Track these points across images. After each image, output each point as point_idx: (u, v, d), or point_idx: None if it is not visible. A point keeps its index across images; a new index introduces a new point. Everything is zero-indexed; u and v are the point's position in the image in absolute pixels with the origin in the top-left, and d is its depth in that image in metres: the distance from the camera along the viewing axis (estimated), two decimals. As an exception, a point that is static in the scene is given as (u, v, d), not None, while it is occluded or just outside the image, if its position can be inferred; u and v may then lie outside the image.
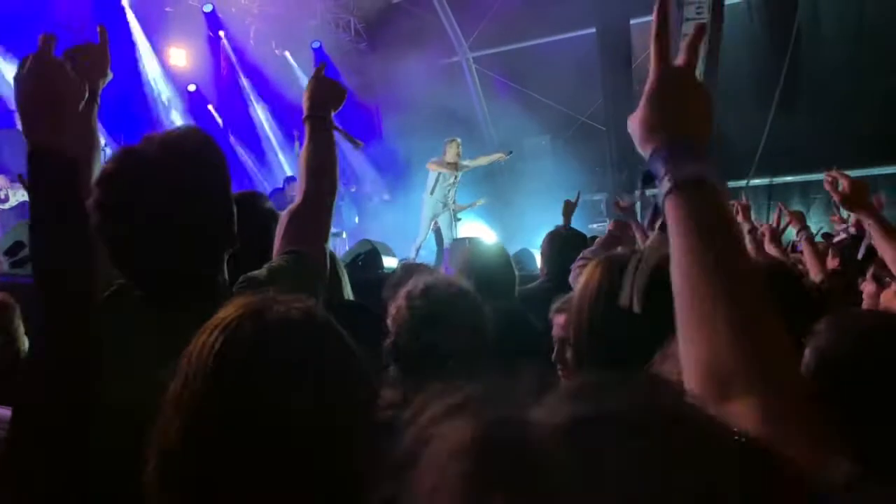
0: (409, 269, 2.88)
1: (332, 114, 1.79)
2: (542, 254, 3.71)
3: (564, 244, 3.48)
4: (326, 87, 1.82)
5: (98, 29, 1.69)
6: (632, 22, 11.90)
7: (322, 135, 1.74)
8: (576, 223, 4.74)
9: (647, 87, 1.04)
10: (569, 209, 4.58)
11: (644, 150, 1.02)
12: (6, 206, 7.58)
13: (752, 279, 0.86)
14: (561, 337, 1.82)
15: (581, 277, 1.56)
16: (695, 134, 1.00)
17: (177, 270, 1.33)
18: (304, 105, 1.78)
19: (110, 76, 1.66)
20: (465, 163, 10.84)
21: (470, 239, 4.00)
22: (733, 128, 10.89)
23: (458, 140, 10.47)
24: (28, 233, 1.30)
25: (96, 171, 1.51)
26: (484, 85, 14.23)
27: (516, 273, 3.01)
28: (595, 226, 11.90)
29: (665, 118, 0.99)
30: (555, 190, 12.65)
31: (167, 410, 0.89)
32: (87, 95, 1.40)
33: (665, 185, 0.97)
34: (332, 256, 2.74)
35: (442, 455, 0.44)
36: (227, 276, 1.43)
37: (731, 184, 11.17)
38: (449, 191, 10.56)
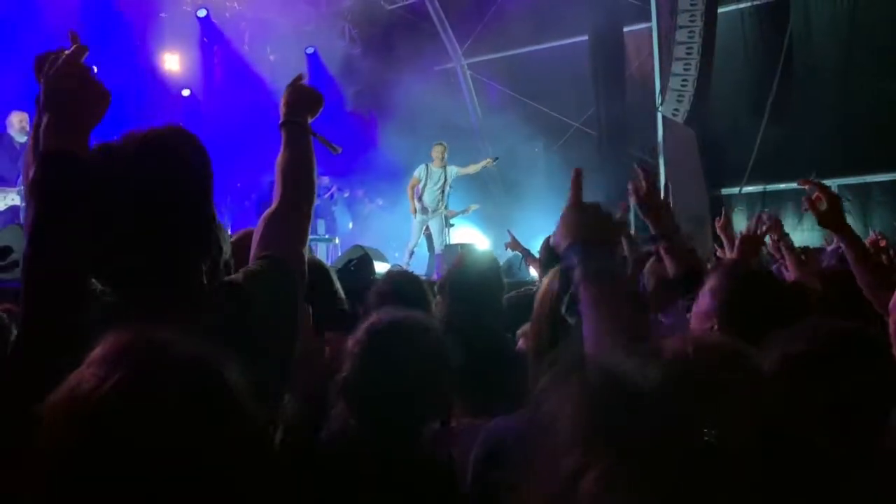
0: (393, 280, 2.87)
1: (310, 120, 1.78)
2: (539, 260, 3.72)
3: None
4: (303, 93, 1.81)
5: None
6: (625, 30, 11.94)
7: (299, 141, 1.72)
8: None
9: (563, 211, 1.52)
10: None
11: (561, 246, 1.43)
12: (-5, 210, 7.51)
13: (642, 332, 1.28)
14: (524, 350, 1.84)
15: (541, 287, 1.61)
16: (600, 240, 1.40)
17: (143, 273, 1.29)
18: (282, 111, 1.77)
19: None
20: (456, 170, 10.91)
21: (462, 245, 4.00)
22: (726, 135, 10.94)
23: (444, 144, 10.68)
24: (27, 233, 1.26)
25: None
26: (478, 91, 14.26)
27: (504, 281, 3.02)
28: (588, 232, 11.91)
29: (576, 232, 1.42)
30: (548, 196, 12.67)
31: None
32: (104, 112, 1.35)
33: (578, 274, 1.33)
34: (324, 267, 2.73)
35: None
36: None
37: (725, 191, 11.20)
38: (438, 195, 10.62)
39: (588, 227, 1.41)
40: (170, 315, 1.10)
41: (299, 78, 1.85)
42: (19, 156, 7.43)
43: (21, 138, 7.52)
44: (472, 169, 11.36)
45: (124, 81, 10.66)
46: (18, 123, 7.55)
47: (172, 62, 12.46)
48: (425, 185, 10.62)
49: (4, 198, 7.55)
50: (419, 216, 10.62)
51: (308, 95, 1.80)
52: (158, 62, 12.09)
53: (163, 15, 11.75)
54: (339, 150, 1.86)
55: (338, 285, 2.54)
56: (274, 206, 1.63)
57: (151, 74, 11.91)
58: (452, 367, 1.77)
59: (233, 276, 1.43)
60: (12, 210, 7.37)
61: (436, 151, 10.69)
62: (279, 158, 1.70)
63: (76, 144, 1.27)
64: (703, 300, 2.02)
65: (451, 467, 1.73)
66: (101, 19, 10.85)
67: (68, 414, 0.82)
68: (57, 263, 1.22)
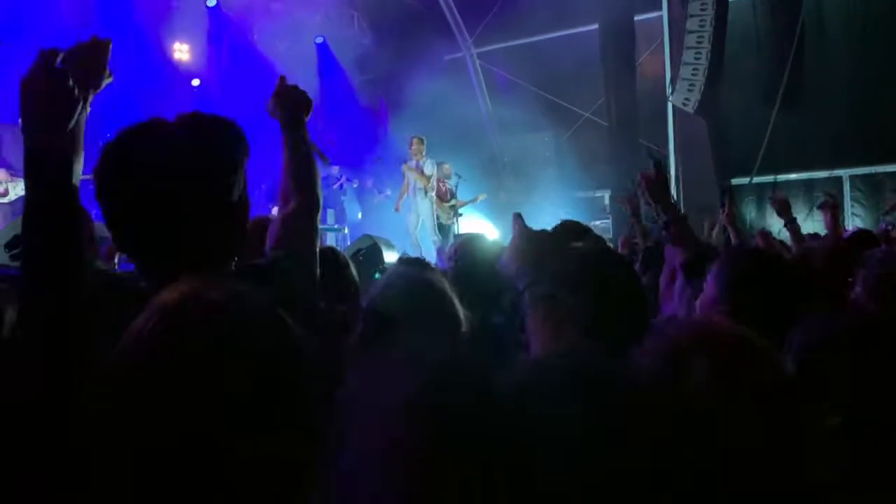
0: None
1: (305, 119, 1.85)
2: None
3: (573, 238, 3.43)
4: (296, 95, 1.88)
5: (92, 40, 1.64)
6: (636, 18, 11.87)
7: (304, 144, 1.81)
8: (579, 220, 4.71)
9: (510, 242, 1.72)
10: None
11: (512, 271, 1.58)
12: (6, 199, 7.60)
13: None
14: None
15: None
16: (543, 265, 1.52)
17: (168, 259, 1.31)
18: (280, 116, 1.84)
19: (109, 80, 1.59)
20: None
21: (471, 235, 3.98)
22: (737, 125, 10.88)
23: (422, 137, 10.93)
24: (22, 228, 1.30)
25: (78, 172, 1.47)
26: (488, 81, 14.22)
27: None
28: (598, 223, 11.89)
29: (523, 258, 1.58)
30: (557, 186, 12.66)
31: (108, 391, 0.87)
32: (83, 105, 1.38)
33: (527, 298, 1.47)
34: (345, 259, 2.78)
35: None
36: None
37: (735, 181, 11.14)
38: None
39: (534, 254, 1.54)
40: None
41: (283, 79, 1.91)
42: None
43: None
44: (467, 202, 11.69)
45: (135, 71, 10.69)
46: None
47: (182, 52, 12.48)
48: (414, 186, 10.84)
49: (16, 187, 7.63)
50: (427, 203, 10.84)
51: (300, 96, 1.88)
52: (169, 52, 12.11)
53: (174, 4, 11.76)
54: (329, 162, 1.89)
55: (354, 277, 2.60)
56: (290, 209, 1.70)
57: (162, 64, 11.93)
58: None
59: (257, 261, 1.47)
60: (22, 199, 7.44)
61: (414, 145, 10.90)
62: (288, 163, 1.78)
63: (54, 140, 1.31)
64: (709, 286, 2.03)
65: None
66: (114, 9, 10.88)
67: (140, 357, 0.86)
68: (46, 253, 1.28)
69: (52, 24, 9.63)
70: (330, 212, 12.11)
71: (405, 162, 11.02)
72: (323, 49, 14.10)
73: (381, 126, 13.90)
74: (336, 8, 13.93)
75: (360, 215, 13.04)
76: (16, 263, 3.22)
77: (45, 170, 1.30)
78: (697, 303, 2.10)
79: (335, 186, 12.15)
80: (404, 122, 13.23)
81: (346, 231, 11.61)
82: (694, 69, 10.13)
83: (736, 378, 1.00)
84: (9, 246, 3.24)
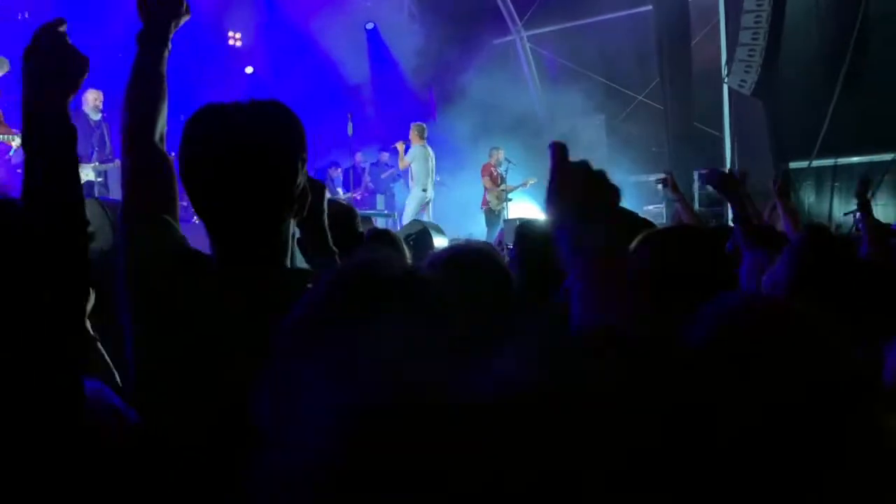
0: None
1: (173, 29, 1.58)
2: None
3: (629, 225, 3.38)
4: None
5: None
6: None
7: (152, 62, 1.55)
8: (631, 205, 4.65)
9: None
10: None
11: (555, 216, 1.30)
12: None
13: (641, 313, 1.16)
14: None
15: None
16: (595, 207, 1.25)
17: (240, 215, 1.37)
18: (143, 20, 1.56)
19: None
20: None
21: (521, 220, 3.96)
22: (796, 107, 10.56)
23: (423, 125, 10.94)
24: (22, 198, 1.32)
25: (162, 121, 1.53)
26: (538, 64, 14.09)
27: None
28: (651, 207, 11.71)
29: (568, 198, 1.28)
30: (610, 170, 12.48)
31: None
32: (87, 72, 1.40)
33: (571, 245, 1.22)
34: (395, 237, 2.82)
35: None
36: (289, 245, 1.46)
37: (794, 164, 10.84)
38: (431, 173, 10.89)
39: (580, 192, 1.25)
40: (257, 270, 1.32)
41: None
42: (93, 132, 7.74)
43: (95, 116, 7.83)
44: (517, 187, 11.68)
45: (189, 58, 10.90)
46: (93, 101, 7.85)
47: (236, 39, 12.69)
48: (420, 165, 10.80)
49: (80, 173, 7.87)
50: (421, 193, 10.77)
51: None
52: (223, 39, 12.33)
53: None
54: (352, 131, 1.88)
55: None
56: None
57: (216, 51, 12.15)
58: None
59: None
60: (87, 185, 7.71)
61: (414, 131, 10.83)
62: (130, 82, 1.55)
63: (59, 104, 1.34)
64: (779, 271, 2.00)
65: None
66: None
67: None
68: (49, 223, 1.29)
69: (109, 12, 9.87)
70: (379, 197, 12.21)
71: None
72: (373, 35, 14.16)
73: (430, 112, 13.91)
74: (386, -7, 13.98)
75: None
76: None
77: (50, 133, 1.33)
78: (764, 282, 2.07)
79: (386, 175, 12.24)
80: (454, 108, 13.22)
81: (396, 216, 11.69)
82: (751, 50, 9.87)
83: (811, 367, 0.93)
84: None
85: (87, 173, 7.81)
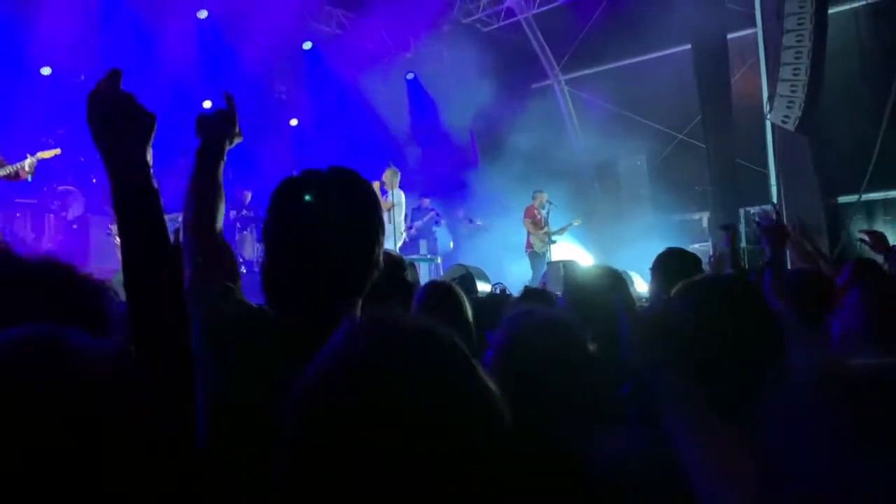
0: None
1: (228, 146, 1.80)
2: (651, 275, 3.55)
3: (677, 266, 3.29)
4: (221, 122, 1.81)
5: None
6: (729, 36, 11.59)
7: (208, 173, 1.74)
8: (675, 244, 4.60)
9: None
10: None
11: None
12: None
13: None
14: None
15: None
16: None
17: (320, 290, 1.42)
18: (200, 138, 1.78)
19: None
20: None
21: (565, 262, 3.94)
22: (843, 141, 10.39)
23: (394, 168, 10.54)
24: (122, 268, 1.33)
25: (220, 217, 1.72)
26: (576, 106, 14.16)
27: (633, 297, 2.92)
28: (696, 246, 11.55)
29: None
30: (652, 210, 12.42)
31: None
32: (154, 129, 1.40)
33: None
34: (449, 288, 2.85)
35: None
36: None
37: (842, 199, 10.62)
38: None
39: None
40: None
41: (229, 99, 1.86)
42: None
43: (147, 171, 8.08)
44: (563, 231, 11.71)
45: (241, 110, 11.18)
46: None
47: (281, 93, 13.08)
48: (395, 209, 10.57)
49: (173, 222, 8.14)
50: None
51: (225, 123, 1.81)
52: (269, 93, 12.71)
53: (274, 47, 12.32)
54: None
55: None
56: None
57: (263, 104, 12.51)
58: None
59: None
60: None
61: (387, 175, 10.40)
62: (189, 188, 1.74)
63: (137, 167, 1.33)
64: (847, 318, 1.96)
65: None
66: (218, 52, 11.54)
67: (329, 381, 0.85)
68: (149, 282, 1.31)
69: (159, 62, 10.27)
70: (422, 242, 12.30)
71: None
72: (414, 84, 14.46)
73: (472, 158, 14.06)
74: (425, 44, 14.27)
75: (451, 244, 13.17)
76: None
77: (128, 203, 1.33)
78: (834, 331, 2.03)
79: (427, 218, 12.35)
80: (495, 153, 13.34)
81: (439, 261, 11.74)
82: (793, 85, 9.77)
83: None
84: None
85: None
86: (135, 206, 1.32)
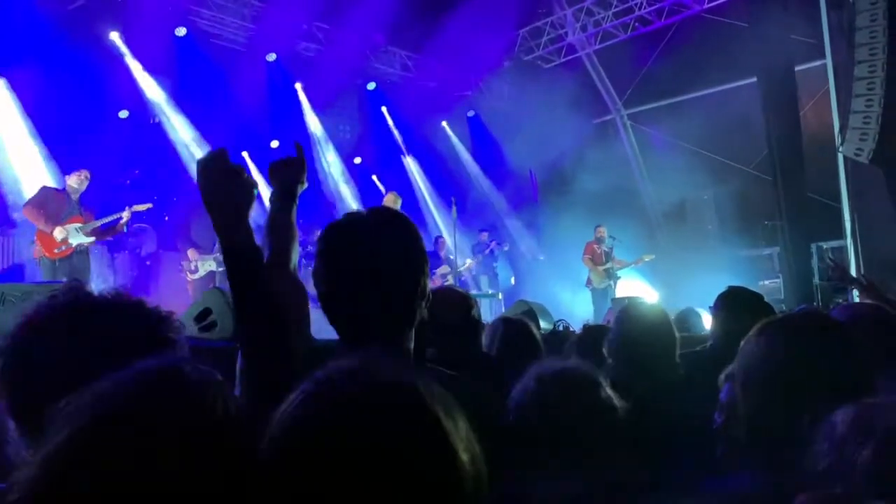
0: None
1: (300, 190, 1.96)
2: (712, 314, 3.42)
3: (740, 305, 3.16)
4: (291, 168, 1.95)
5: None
6: (797, 69, 11.35)
7: (282, 214, 1.90)
8: (744, 280, 4.47)
9: None
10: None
11: None
12: (197, 276, 8.36)
13: None
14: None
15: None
16: None
17: (372, 321, 1.49)
18: (273, 184, 1.93)
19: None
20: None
21: (630, 299, 3.85)
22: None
23: (396, 193, 10.11)
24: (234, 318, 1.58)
25: (294, 256, 1.87)
26: (640, 141, 14.04)
27: (677, 336, 2.85)
28: (767, 282, 11.21)
29: None
30: (719, 246, 12.13)
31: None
32: (255, 197, 1.62)
33: None
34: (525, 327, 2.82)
35: None
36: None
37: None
38: None
39: None
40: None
41: (299, 149, 2.01)
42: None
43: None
44: (632, 262, 11.58)
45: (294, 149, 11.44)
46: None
47: (345, 132, 13.38)
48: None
49: (203, 263, 8.39)
50: None
51: (294, 169, 1.95)
52: (333, 132, 13.02)
53: (337, 88, 12.65)
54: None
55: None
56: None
57: (324, 145, 12.82)
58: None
59: None
60: (209, 275, 8.19)
61: (388, 200, 9.92)
62: (266, 228, 1.89)
63: (239, 234, 1.53)
64: None
65: None
66: (285, 93, 11.91)
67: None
68: (257, 328, 1.52)
69: (232, 108, 10.64)
70: (483, 278, 12.28)
71: None
72: (475, 122, 14.60)
73: (532, 194, 14.05)
74: (487, 81, 14.43)
75: (513, 280, 13.12)
76: (205, 334, 3.52)
77: (239, 265, 1.53)
78: None
79: (486, 252, 12.35)
80: (556, 188, 13.30)
81: (501, 297, 11.69)
82: (866, 117, 9.46)
83: None
84: (198, 318, 3.54)
85: (209, 264, 8.30)
86: (241, 262, 1.53)
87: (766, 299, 3.54)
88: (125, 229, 7.53)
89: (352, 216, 1.59)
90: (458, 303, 2.69)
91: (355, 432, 0.83)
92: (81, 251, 7.11)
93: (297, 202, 1.96)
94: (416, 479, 0.82)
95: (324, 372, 0.91)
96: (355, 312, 1.50)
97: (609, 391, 1.67)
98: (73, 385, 0.88)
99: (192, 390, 0.87)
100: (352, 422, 0.84)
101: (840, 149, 10.21)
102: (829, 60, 10.78)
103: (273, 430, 0.87)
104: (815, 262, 10.84)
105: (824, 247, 11.15)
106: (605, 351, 2.77)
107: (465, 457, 0.86)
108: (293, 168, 1.94)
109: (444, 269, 11.00)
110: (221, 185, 1.55)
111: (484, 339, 3.01)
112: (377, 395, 0.87)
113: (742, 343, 1.48)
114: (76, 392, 0.86)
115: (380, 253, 1.51)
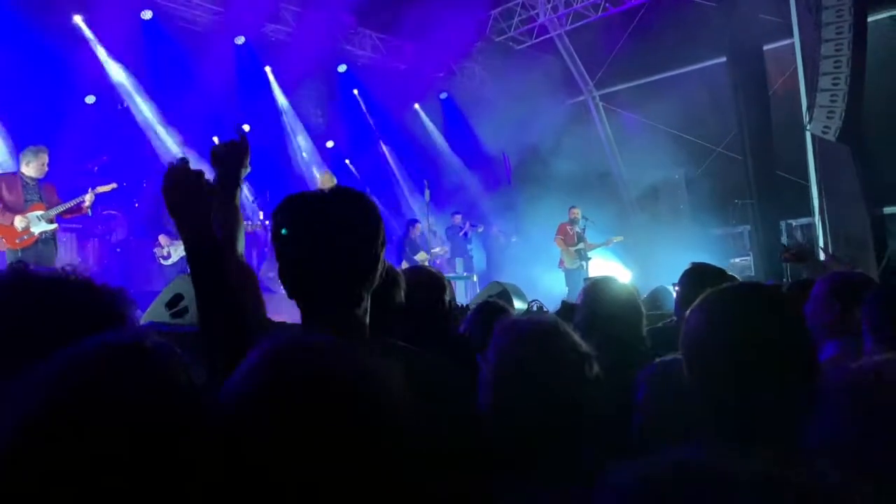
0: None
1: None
2: (676, 291, 3.49)
3: (702, 280, 3.24)
4: (233, 151, 1.94)
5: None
6: (765, 48, 11.46)
7: (227, 203, 1.92)
8: (716, 258, 4.54)
9: None
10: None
11: None
12: (169, 262, 8.28)
13: None
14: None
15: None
16: None
17: (320, 284, 1.56)
18: (216, 171, 1.94)
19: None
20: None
21: (598, 278, 3.87)
22: (886, 149, 10.16)
23: (330, 172, 9.98)
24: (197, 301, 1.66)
25: (241, 239, 1.91)
26: (611, 122, 14.10)
27: (643, 310, 2.90)
28: (738, 260, 11.37)
29: None
30: (691, 225, 12.26)
31: None
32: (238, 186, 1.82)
33: None
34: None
35: None
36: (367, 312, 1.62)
37: (888, 210, 10.37)
38: None
39: None
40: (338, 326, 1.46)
41: (241, 135, 2.00)
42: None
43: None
44: (601, 244, 11.69)
45: (266, 137, 11.36)
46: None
47: (318, 116, 13.26)
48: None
49: (176, 249, 8.31)
50: None
51: (236, 152, 1.94)
52: (305, 116, 12.89)
53: (308, 73, 12.52)
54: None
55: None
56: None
57: (295, 129, 12.70)
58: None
59: None
60: (183, 261, 8.12)
61: (324, 180, 9.56)
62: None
63: (204, 238, 1.66)
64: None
65: None
66: (254, 77, 11.77)
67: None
68: (214, 312, 1.65)
69: (200, 92, 10.50)
70: (458, 261, 12.31)
71: None
72: (448, 104, 14.55)
73: (505, 176, 14.07)
74: (458, 63, 14.38)
75: (484, 263, 13.16)
76: (177, 320, 3.50)
77: (201, 261, 1.65)
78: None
79: (460, 235, 12.36)
80: (529, 170, 13.33)
81: (476, 279, 11.73)
82: (833, 95, 9.60)
83: None
84: (169, 304, 3.51)
85: (182, 250, 8.22)
86: (204, 262, 1.66)
87: (735, 276, 3.61)
88: (90, 212, 7.34)
89: (305, 194, 1.67)
90: (430, 283, 2.70)
91: (281, 401, 0.88)
92: (46, 238, 6.94)
93: (242, 187, 1.99)
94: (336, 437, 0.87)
95: (259, 349, 0.96)
96: (304, 273, 1.58)
97: (578, 338, 1.68)
98: (16, 363, 0.84)
99: (155, 364, 0.86)
100: (277, 391, 0.89)
101: (808, 127, 10.36)
102: (796, 39, 10.90)
103: (223, 401, 0.91)
104: (784, 239, 11.02)
105: (793, 224, 11.33)
106: (572, 326, 2.80)
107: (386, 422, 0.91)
108: (236, 152, 1.94)
109: (421, 255, 10.99)
110: (184, 197, 1.66)
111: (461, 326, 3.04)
112: (295, 366, 0.92)
113: (686, 315, 1.48)
114: (20, 371, 0.82)
115: (330, 217, 1.58)
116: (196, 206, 1.66)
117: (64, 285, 1.25)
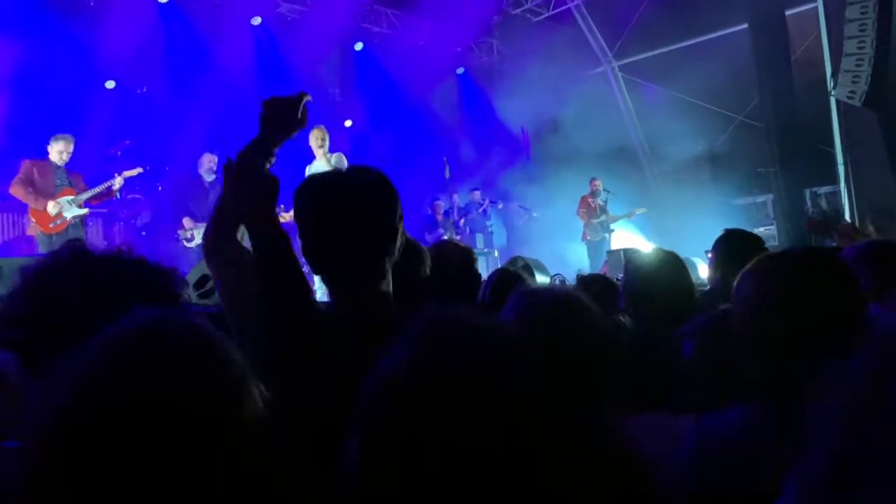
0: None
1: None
2: (711, 258, 3.43)
3: (738, 248, 3.19)
4: (254, 187, 1.79)
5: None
6: (787, 13, 11.23)
7: (264, 241, 1.80)
8: (739, 227, 4.49)
9: None
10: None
11: None
12: (192, 244, 8.35)
13: None
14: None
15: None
16: None
17: (349, 259, 1.62)
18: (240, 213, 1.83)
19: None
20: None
21: (626, 250, 3.85)
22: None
23: (322, 128, 8.58)
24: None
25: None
26: (631, 93, 13.94)
27: (693, 279, 2.86)
28: (761, 229, 11.25)
29: None
30: (713, 195, 12.14)
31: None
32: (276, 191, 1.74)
33: None
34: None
35: None
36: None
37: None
38: None
39: None
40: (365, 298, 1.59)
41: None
42: (208, 194, 8.24)
43: (209, 177, 8.32)
44: (624, 216, 11.64)
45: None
46: (208, 164, 8.37)
47: (335, 95, 13.24)
48: None
49: (199, 231, 8.38)
50: None
51: (260, 188, 1.77)
52: (323, 95, 12.88)
53: (324, 51, 12.48)
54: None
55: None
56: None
57: (317, 107, 12.69)
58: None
59: None
60: (205, 243, 8.20)
61: (313, 138, 8.00)
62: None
63: (268, 227, 1.66)
64: None
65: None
66: (271, 57, 11.76)
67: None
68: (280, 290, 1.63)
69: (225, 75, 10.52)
70: (478, 236, 12.31)
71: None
72: (464, 79, 14.45)
73: (525, 150, 13.99)
74: (475, 38, 14.25)
75: (505, 238, 13.15)
76: (205, 301, 3.55)
77: (268, 254, 1.65)
78: None
79: (479, 212, 12.35)
80: (548, 143, 13.24)
81: (497, 254, 11.73)
82: (858, 59, 9.40)
83: None
84: (196, 285, 3.57)
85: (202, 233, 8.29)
86: (270, 254, 1.65)
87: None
88: (118, 195, 7.49)
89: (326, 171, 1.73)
90: (458, 257, 2.72)
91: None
92: (76, 223, 7.10)
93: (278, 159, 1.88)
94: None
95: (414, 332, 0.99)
96: (328, 248, 1.63)
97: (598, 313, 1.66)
98: (82, 333, 0.86)
99: (213, 346, 0.87)
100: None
101: (832, 92, 10.18)
102: (820, 3, 10.69)
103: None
104: (809, 207, 10.88)
105: (818, 192, 11.17)
106: (624, 301, 2.78)
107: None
108: (288, 114, 1.83)
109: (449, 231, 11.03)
110: (248, 190, 1.68)
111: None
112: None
113: (735, 283, 1.48)
114: (84, 341, 0.84)
115: (349, 193, 1.64)
116: (262, 198, 1.68)
117: (123, 263, 1.28)
